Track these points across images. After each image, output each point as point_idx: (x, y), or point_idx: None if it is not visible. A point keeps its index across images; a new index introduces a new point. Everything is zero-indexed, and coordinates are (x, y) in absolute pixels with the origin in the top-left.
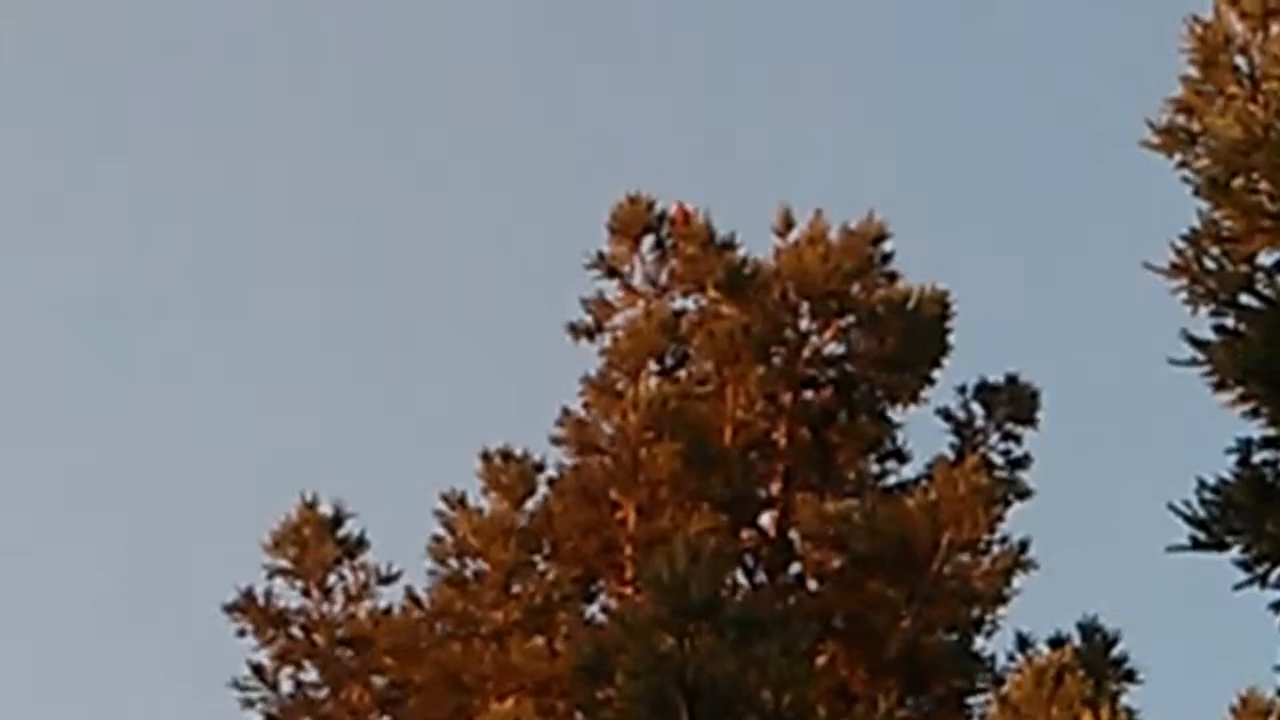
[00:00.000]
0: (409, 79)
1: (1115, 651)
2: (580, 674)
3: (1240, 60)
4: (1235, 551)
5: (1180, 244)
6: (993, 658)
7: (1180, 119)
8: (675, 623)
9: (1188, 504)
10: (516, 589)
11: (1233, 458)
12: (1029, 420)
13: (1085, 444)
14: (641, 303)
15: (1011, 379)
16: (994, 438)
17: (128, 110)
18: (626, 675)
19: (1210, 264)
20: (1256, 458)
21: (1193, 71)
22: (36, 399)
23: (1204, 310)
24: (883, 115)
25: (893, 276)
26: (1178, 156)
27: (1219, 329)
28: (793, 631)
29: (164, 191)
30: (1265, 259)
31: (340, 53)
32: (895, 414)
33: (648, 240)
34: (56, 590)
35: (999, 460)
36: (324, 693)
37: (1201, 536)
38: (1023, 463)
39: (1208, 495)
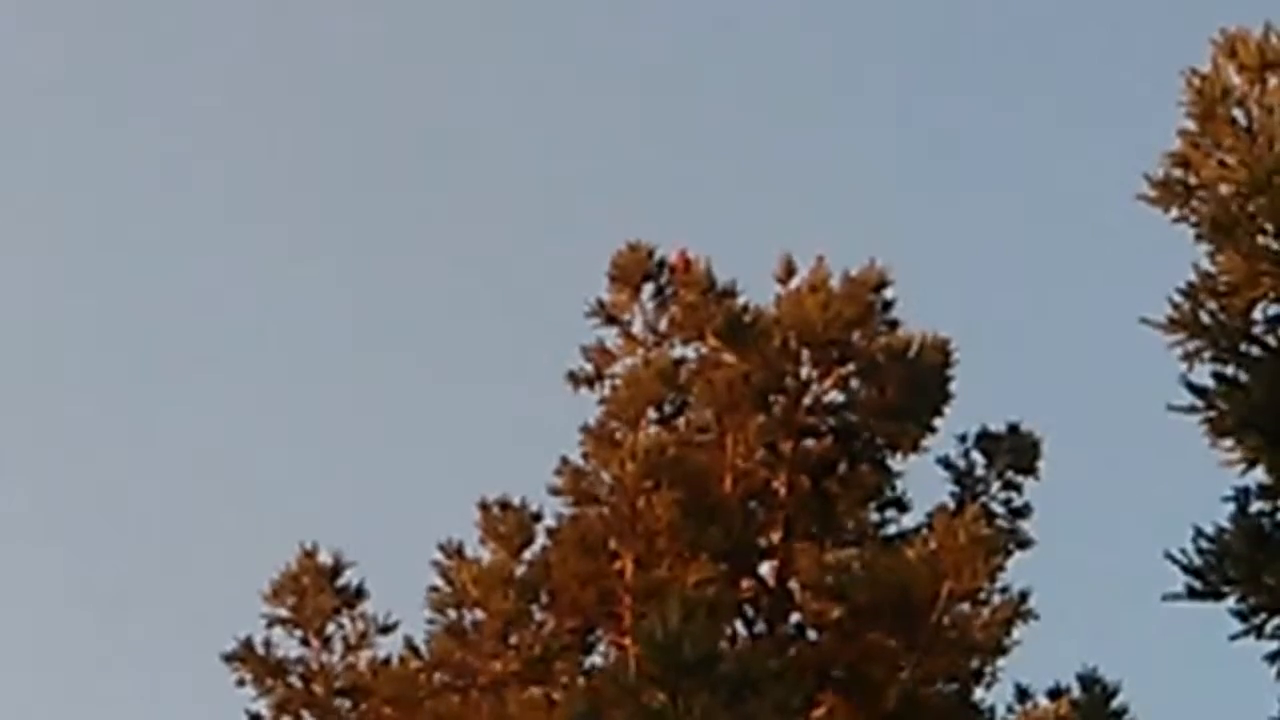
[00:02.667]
0: (409, 121)
1: (1115, 703)
2: None
3: (1238, 113)
4: (1232, 601)
5: (1177, 298)
6: (992, 709)
7: (1177, 172)
8: (668, 680)
9: (1184, 553)
10: (514, 639)
11: (1230, 506)
12: (1030, 469)
13: (1087, 493)
14: (641, 351)
15: (1013, 428)
16: (995, 487)
17: (128, 113)
18: None
19: (1207, 317)
20: (1253, 507)
21: (1190, 124)
22: (35, 424)
23: (1201, 363)
24: (884, 162)
25: (894, 324)
26: (1174, 210)
27: (1218, 377)
28: (786, 688)
29: (161, 224)
30: (1264, 309)
31: (337, 104)
32: (896, 463)
33: (648, 288)
34: (51, 635)
35: (1000, 510)
36: None
37: (1197, 585)
38: (1024, 512)
39: (1204, 544)
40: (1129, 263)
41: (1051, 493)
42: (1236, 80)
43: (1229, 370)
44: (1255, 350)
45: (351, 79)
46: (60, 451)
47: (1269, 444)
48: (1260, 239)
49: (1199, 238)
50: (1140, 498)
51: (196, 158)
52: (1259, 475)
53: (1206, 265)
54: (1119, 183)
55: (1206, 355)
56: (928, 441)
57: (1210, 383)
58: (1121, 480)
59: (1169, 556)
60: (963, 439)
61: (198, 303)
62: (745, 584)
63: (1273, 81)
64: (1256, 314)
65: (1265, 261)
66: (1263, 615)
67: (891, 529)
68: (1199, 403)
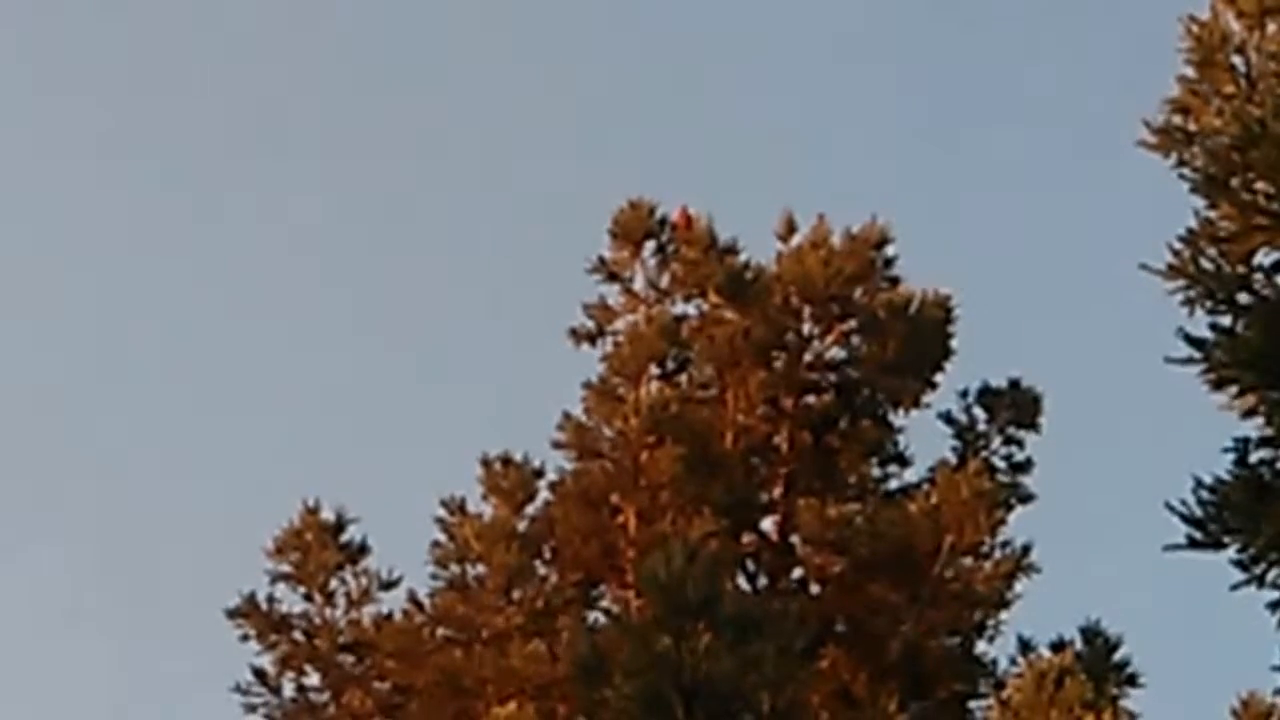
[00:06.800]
0: (410, 80)
1: (1117, 655)
2: (578, 674)
3: (1237, 59)
4: (1232, 551)
5: (1177, 245)
6: (994, 662)
7: (1177, 119)
8: (672, 622)
9: (1184, 503)
10: (517, 594)
11: (1230, 457)
12: (1031, 424)
13: (1088, 447)
14: (643, 307)
15: (1014, 383)
16: (996, 442)
17: (128, 113)
18: (623, 675)
19: (1207, 264)
20: (1253, 457)
21: (1189, 71)
22: (37, 399)
23: (1201, 311)
24: (885, 120)
25: (895, 281)
26: (1174, 156)
27: (1215, 328)
28: (788, 631)
29: (163, 195)
30: (1263, 258)
31: (338, 49)
32: (897, 418)
33: (650, 245)
34: (52, 594)
35: (1001, 464)
36: (326, 697)
37: (1198, 535)
38: (1025, 467)
39: (1204, 494)
40: (1130, 215)
41: (1053, 447)
42: (1235, 27)
43: (1226, 320)
44: (1253, 300)
45: (351, 77)
46: (58, 435)
47: (1267, 388)
48: (1255, 191)
49: (1194, 190)
50: (1143, 450)
51: (192, 156)
52: (1259, 425)
53: (1206, 213)
54: (1119, 134)
55: (1205, 304)
56: (929, 397)
57: (1208, 334)
58: (1124, 433)
59: (1169, 507)
60: (964, 394)
61: (195, 294)
62: (747, 538)
63: (1271, 28)
64: (1257, 259)
65: (1261, 215)
66: (1263, 564)
67: (893, 484)
68: (1196, 354)
